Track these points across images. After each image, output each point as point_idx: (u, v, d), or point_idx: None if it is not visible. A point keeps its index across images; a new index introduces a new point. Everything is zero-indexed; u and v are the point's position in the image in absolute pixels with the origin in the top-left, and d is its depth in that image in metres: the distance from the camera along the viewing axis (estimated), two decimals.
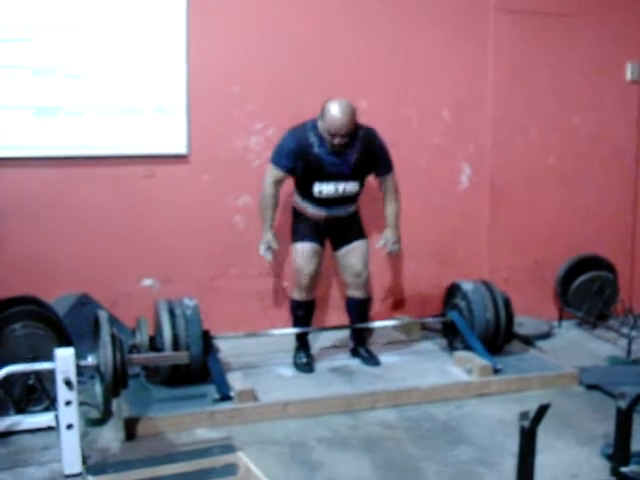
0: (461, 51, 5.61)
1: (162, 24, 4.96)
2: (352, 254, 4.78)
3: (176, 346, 4.29)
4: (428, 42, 5.54)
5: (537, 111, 5.82)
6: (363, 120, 4.58)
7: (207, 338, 4.47)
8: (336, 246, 4.84)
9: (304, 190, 4.65)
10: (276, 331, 4.93)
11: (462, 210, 5.79)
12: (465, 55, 5.63)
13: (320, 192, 4.59)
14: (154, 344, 4.37)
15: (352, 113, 4.41)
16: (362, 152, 4.56)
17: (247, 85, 5.20)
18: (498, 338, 4.91)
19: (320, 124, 4.48)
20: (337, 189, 4.59)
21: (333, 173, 4.56)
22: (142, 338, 4.35)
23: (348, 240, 4.78)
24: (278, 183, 4.65)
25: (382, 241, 4.85)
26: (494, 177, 5.78)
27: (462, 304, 4.96)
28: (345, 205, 4.70)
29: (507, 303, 4.97)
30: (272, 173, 4.63)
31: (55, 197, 4.92)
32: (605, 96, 5.95)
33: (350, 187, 4.62)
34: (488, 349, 4.79)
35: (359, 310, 4.90)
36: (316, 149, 4.51)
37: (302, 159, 4.54)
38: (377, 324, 4.92)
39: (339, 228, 4.77)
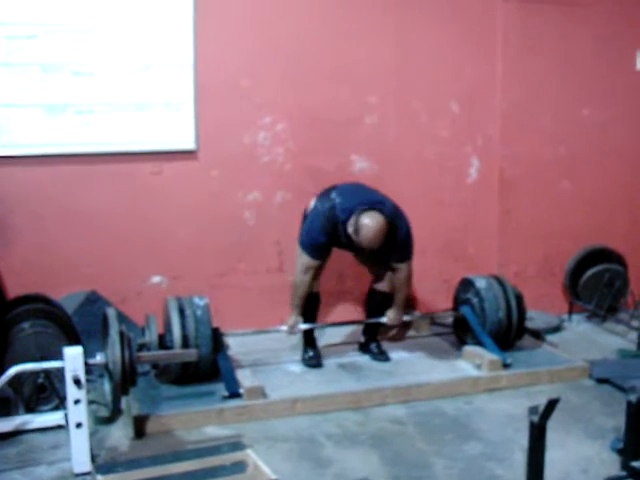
0: (469, 42, 5.59)
1: (169, 20, 4.95)
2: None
3: (186, 346, 4.28)
4: (436, 34, 5.52)
5: (546, 102, 5.78)
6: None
7: (217, 336, 4.46)
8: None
9: None
10: (285, 327, 4.92)
11: (471, 203, 5.77)
12: (473, 46, 5.60)
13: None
14: (164, 343, 4.37)
15: (384, 232, 4.37)
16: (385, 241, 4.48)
17: (255, 80, 5.18)
18: (510, 336, 4.90)
19: (351, 233, 4.40)
20: None
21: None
22: (151, 336, 4.34)
23: None
24: (311, 269, 4.62)
25: (384, 319, 4.86)
26: (503, 169, 5.75)
27: (474, 300, 4.93)
28: None
29: (519, 300, 4.94)
30: (305, 261, 4.60)
31: (63, 194, 4.92)
32: (615, 86, 5.92)
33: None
34: (499, 345, 4.77)
35: (382, 305, 4.87)
36: (342, 239, 4.52)
37: (332, 243, 4.60)
38: (385, 319, 4.88)
39: None
